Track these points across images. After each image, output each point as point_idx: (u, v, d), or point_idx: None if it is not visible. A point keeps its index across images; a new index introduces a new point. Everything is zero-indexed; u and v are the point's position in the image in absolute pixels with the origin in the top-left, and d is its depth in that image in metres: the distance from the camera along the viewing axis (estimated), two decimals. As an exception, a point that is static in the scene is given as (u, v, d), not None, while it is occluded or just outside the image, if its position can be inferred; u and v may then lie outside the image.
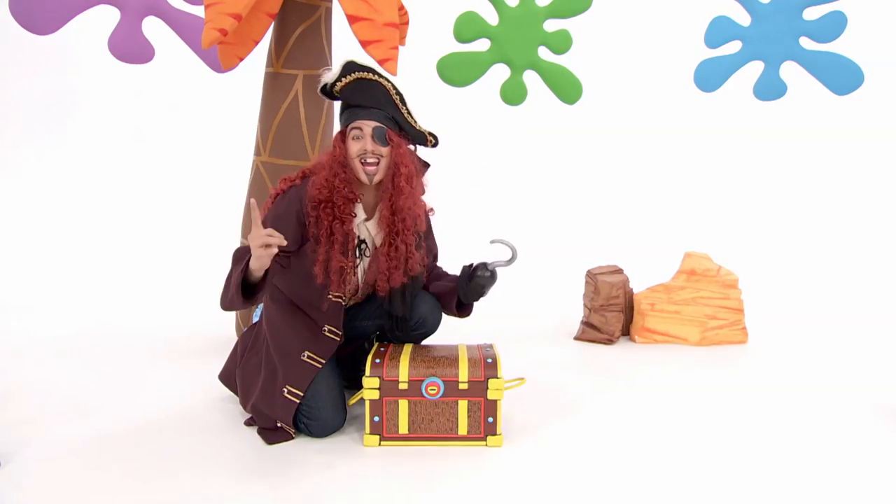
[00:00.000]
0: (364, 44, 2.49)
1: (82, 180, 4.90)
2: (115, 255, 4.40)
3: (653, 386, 2.44)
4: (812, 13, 2.85)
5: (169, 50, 2.99)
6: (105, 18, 2.75)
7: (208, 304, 3.31)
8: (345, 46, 2.81)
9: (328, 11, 2.77)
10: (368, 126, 1.93)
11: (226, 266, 1.94)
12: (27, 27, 2.49)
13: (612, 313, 2.95)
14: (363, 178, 1.95)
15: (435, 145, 2.05)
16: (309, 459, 1.85)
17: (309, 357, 1.98)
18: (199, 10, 2.88)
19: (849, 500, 1.67)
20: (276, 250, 1.71)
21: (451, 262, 2.32)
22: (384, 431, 1.94)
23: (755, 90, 2.95)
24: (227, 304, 1.87)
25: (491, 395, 1.92)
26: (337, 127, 2.05)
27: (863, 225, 5.03)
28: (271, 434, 1.96)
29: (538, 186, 5.24)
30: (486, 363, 1.95)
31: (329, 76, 1.97)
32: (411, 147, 2.03)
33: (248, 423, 2.05)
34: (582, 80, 2.90)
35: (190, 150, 5.07)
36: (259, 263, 1.74)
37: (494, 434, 1.94)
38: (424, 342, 2.20)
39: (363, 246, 2.05)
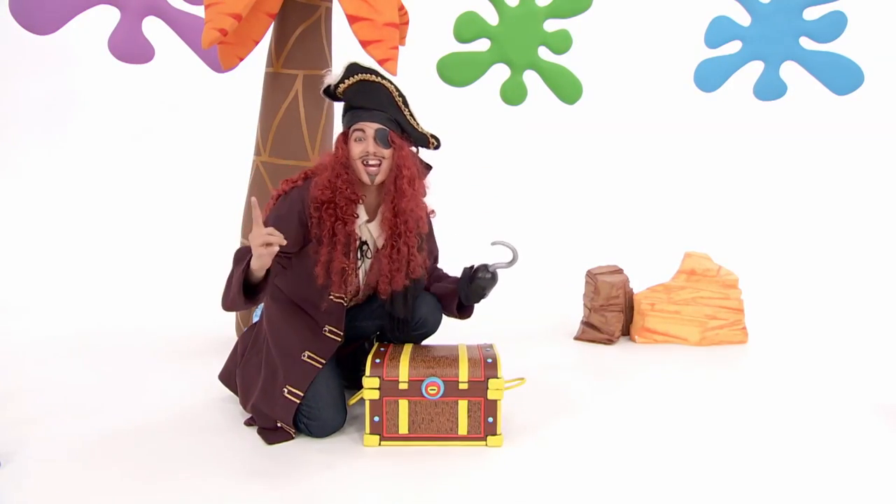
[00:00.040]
0: (364, 44, 2.49)
1: (82, 180, 4.90)
2: (115, 254, 4.40)
3: (653, 386, 2.44)
4: (812, 13, 2.85)
5: (169, 50, 2.99)
6: (105, 18, 2.75)
7: (208, 304, 3.31)
8: (345, 46, 2.81)
9: (328, 11, 2.77)
10: (371, 128, 1.93)
11: (226, 266, 1.94)
12: (27, 27, 2.49)
13: (612, 313, 2.95)
14: (365, 179, 1.95)
15: (437, 147, 2.06)
16: (309, 459, 1.85)
17: (309, 357, 1.98)
18: (199, 10, 2.88)
19: (849, 499, 1.67)
20: (277, 249, 1.71)
21: (450, 261, 2.32)
22: (384, 431, 1.94)
23: (755, 90, 2.95)
24: (228, 305, 1.87)
25: (491, 395, 1.92)
26: (337, 127, 2.05)
27: (863, 225, 5.03)
28: (271, 434, 1.96)
29: (538, 186, 5.24)
30: (486, 363, 1.95)
31: (332, 77, 1.97)
32: (413, 149, 2.03)
33: (248, 423, 2.05)
34: (582, 80, 2.90)
35: (190, 150, 5.07)
36: (260, 263, 1.74)
37: (494, 434, 1.94)
38: (424, 342, 2.20)
39: (364, 247, 2.05)
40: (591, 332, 2.98)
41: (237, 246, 2.85)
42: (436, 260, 2.28)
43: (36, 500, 1.62)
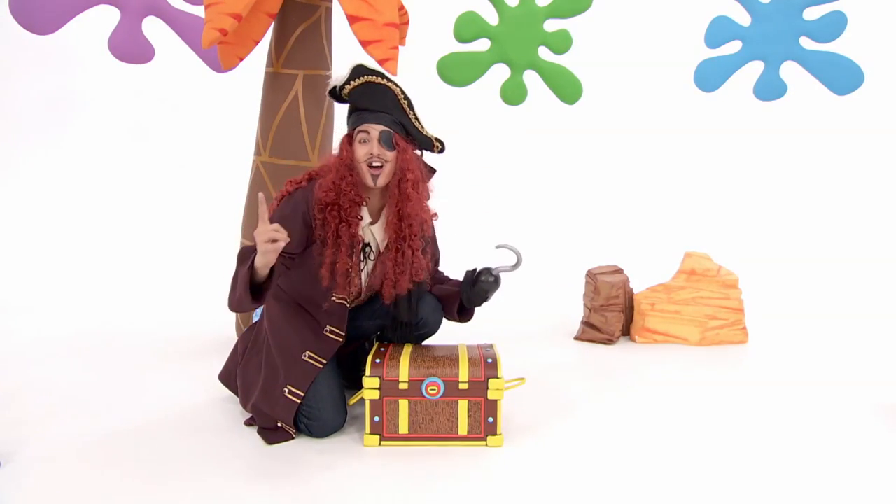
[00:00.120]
0: (364, 44, 2.49)
1: (82, 180, 4.90)
2: (115, 254, 4.40)
3: (653, 386, 2.44)
4: (812, 13, 2.85)
5: (169, 50, 2.99)
6: (105, 18, 2.75)
7: (208, 304, 3.31)
8: (345, 46, 2.81)
9: (328, 11, 2.77)
10: (375, 130, 1.93)
11: (226, 266, 1.94)
12: (27, 27, 2.49)
13: (612, 313, 2.95)
14: (369, 182, 1.95)
15: (441, 151, 2.06)
16: (309, 459, 1.85)
17: (310, 357, 1.98)
18: (199, 10, 2.88)
19: (848, 499, 1.67)
20: (282, 245, 1.71)
21: (449, 261, 2.32)
22: (384, 431, 1.94)
23: (755, 90, 2.95)
24: (234, 305, 1.87)
25: (491, 395, 1.92)
26: (337, 127, 2.05)
27: (863, 225, 5.03)
28: (271, 434, 1.96)
29: (538, 187, 5.23)
30: (486, 363, 1.95)
31: (338, 79, 1.97)
32: (417, 152, 2.03)
33: (249, 423, 2.05)
34: (582, 80, 2.90)
35: (190, 150, 5.06)
36: (265, 260, 1.74)
37: (494, 434, 1.94)
38: (425, 342, 2.20)
39: (367, 249, 2.05)
40: (591, 332, 2.98)
41: (237, 246, 2.85)
42: (437, 263, 2.28)
43: (36, 500, 1.62)
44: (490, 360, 1.96)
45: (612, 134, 5.28)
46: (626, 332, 3.06)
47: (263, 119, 2.77)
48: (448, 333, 2.27)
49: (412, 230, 1.97)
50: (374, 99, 1.94)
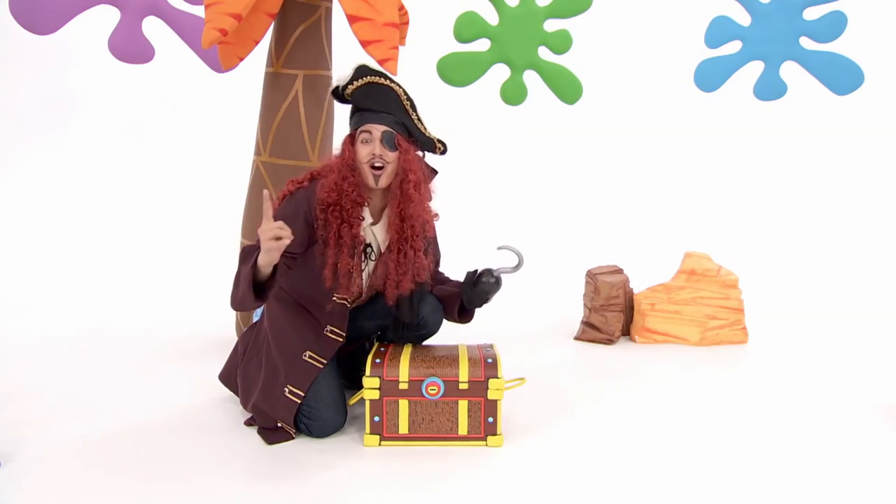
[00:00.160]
0: (364, 44, 2.49)
1: (82, 180, 4.90)
2: (115, 254, 4.40)
3: (653, 386, 2.44)
4: (812, 13, 2.85)
5: (169, 50, 2.99)
6: (105, 18, 2.75)
7: (208, 304, 3.31)
8: (345, 46, 2.81)
9: (328, 11, 2.77)
10: (378, 130, 1.93)
11: (226, 266, 1.94)
12: (27, 27, 2.49)
13: (612, 313, 2.95)
14: (371, 182, 1.95)
15: (444, 152, 2.06)
16: (309, 459, 1.85)
17: (310, 357, 1.98)
18: (199, 10, 2.88)
19: (848, 499, 1.67)
20: (286, 243, 1.71)
21: (449, 262, 2.32)
22: (384, 431, 1.94)
23: (755, 90, 2.95)
24: (237, 304, 1.86)
25: (491, 395, 1.92)
26: (337, 127, 2.05)
27: (863, 225, 5.03)
28: (271, 434, 1.96)
29: (538, 187, 5.24)
30: (486, 363, 1.95)
31: (341, 79, 1.97)
32: (419, 153, 2.03)
33: (249, 422, 2.05)
34: (582, 80, 2.90)
35: (190, 150, 5.06)
36: (268, 258, 1.73)
37: (494, 434, 1.94)
38: (425, 342, 2.20)
39: (368, 249, 2.05)
40: (592, 332, 2.98)
41: (237, 246, 2.84)
42: (437, 263, 2.28)
43: (36, 500, 1.62)
44: (490, 360, 1.96)
45: (612, 134, 5.28)
46: (626, 332, 3.06)
47: (263, 119, 2.77)
48: (448, 333, 2.27)
49: (414, 231, 1.97)
50: (377, 99, 1.94)
